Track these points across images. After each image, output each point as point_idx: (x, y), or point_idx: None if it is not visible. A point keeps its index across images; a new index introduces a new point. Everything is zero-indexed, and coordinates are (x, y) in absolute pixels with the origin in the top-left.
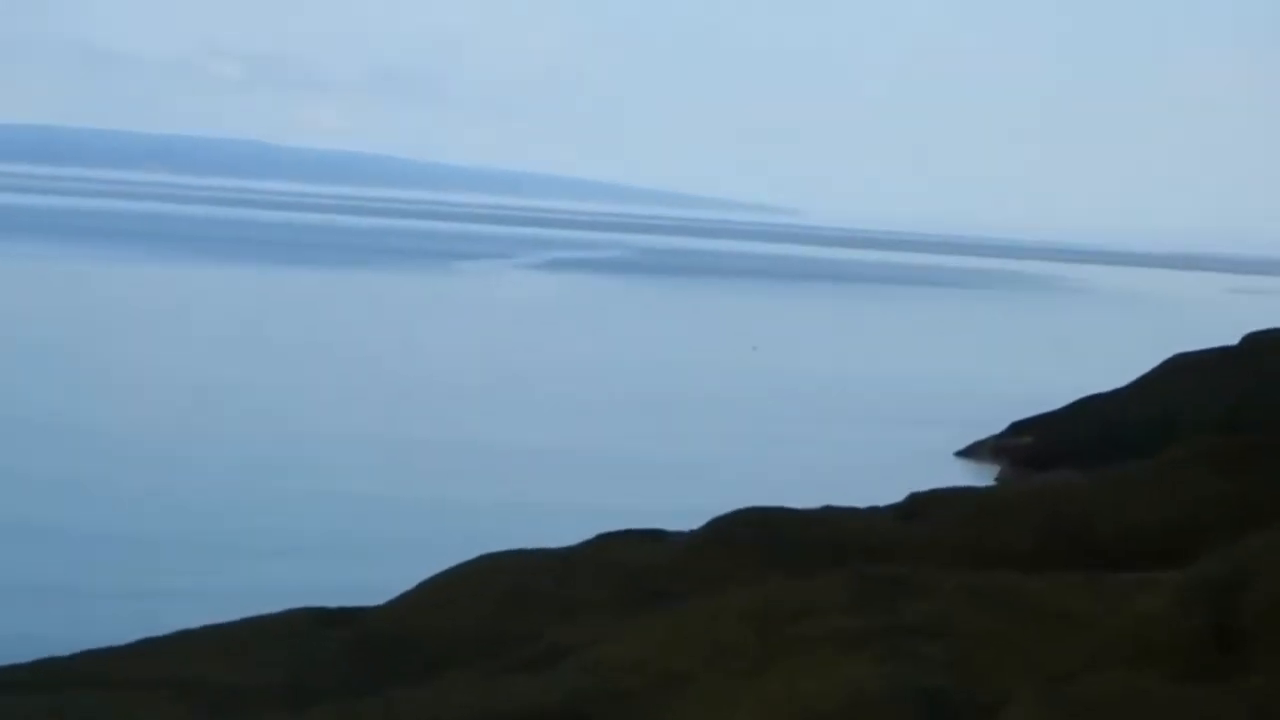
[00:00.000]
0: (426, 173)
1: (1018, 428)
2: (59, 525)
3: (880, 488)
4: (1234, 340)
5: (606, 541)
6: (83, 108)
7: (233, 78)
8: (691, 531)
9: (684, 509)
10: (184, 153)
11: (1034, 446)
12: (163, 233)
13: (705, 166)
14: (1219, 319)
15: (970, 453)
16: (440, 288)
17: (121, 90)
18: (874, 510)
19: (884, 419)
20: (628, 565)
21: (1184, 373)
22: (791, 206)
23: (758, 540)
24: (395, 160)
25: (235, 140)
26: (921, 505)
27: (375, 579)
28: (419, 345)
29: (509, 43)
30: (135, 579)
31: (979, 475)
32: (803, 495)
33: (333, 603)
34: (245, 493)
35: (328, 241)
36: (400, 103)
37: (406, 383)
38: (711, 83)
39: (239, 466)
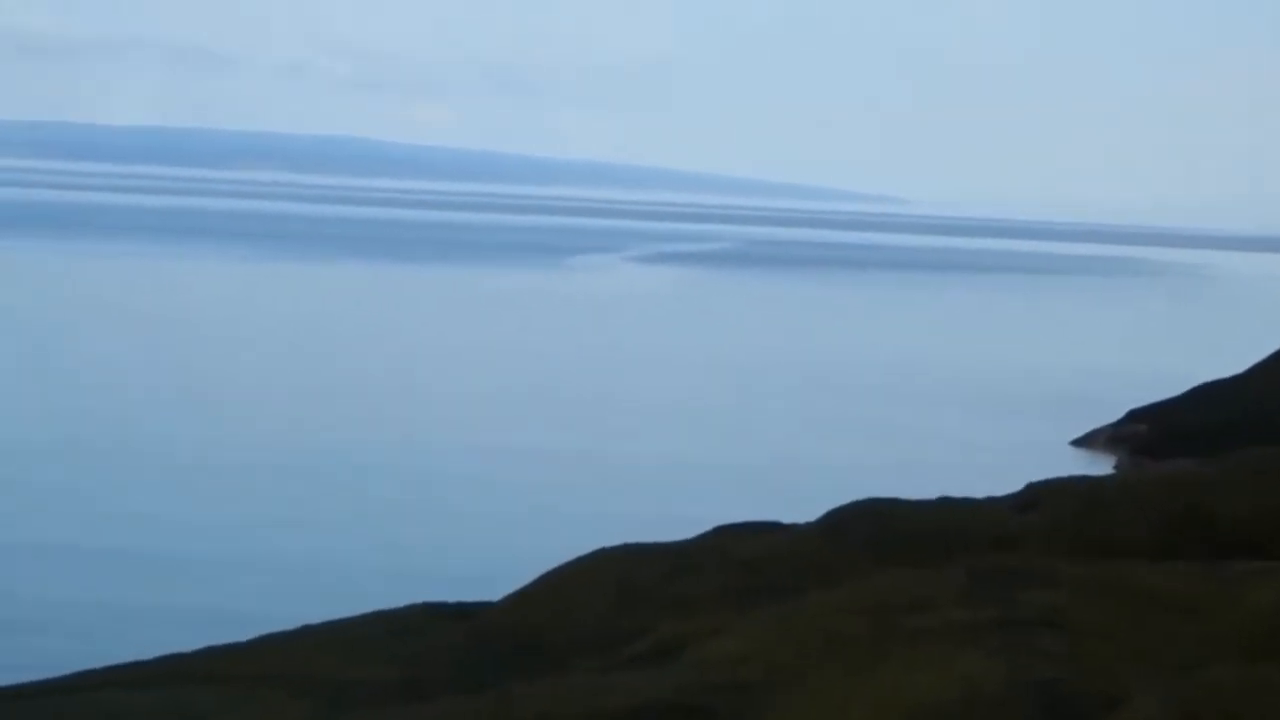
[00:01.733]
0: (536, 168)
1: (1134, 416)
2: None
3: (996, 478)
4: None
5: (722, 534)
6: (197, 109)
7: (344, 77)
8: (806, 524)
9: (800, 500)
10: (298, 152)
11: (1151, 435)
12: (280, 231)
13: (812, 155)
14: None
15: (1086, 442)
16: (551, 283)
17: (236, 91)
18: (991, 501)
19: (998, 409)
20: (743, 558)
21: None
22: (900, 195)
23: (873, 532)
24: (504, 156)
25: (347, 138)
26: (1039, 495)
27: (493, 575)
28: (533, 344)
29: (613, 37)
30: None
31: (1095, 465)
32: (918, 486)
33: (450, 598)
34: (353, 497)
35: (440, 238)
36: (509, 98)
37: (520, 387)
38: (815, 71)
39: (347, 469)
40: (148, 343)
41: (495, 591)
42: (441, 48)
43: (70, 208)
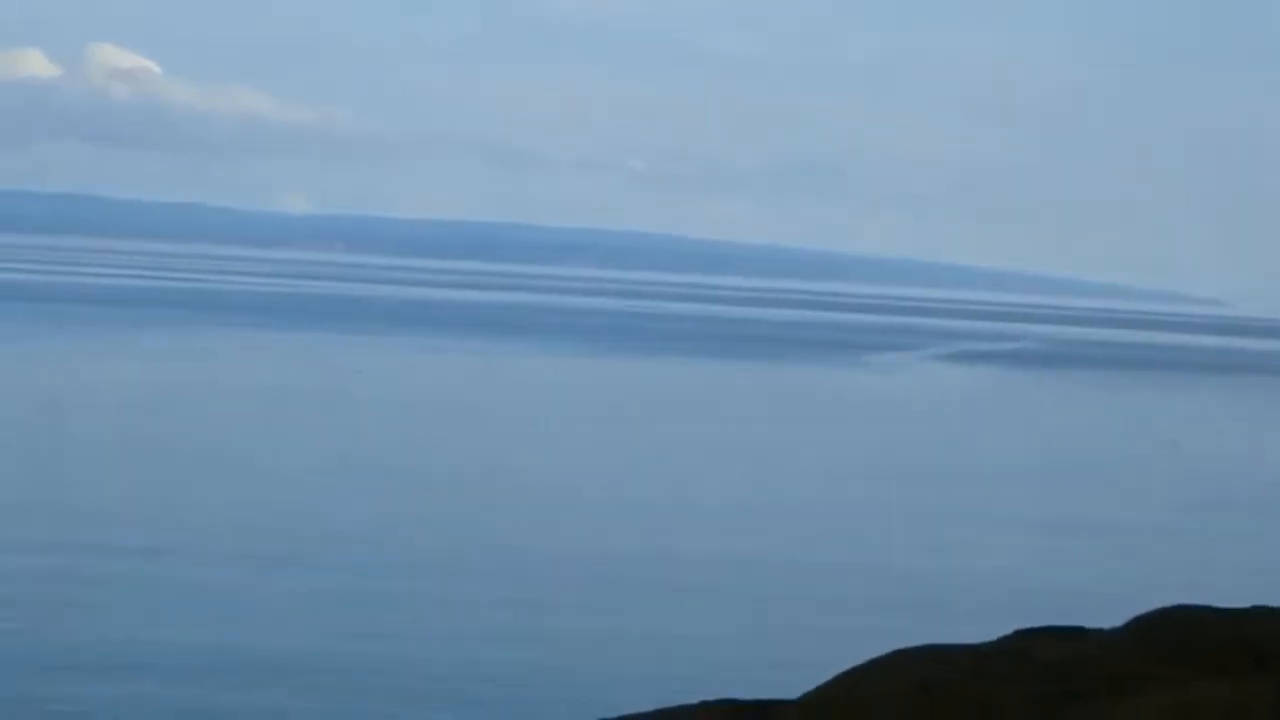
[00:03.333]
0: (833, 264)
1: None
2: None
3: None
4: None
5: (1023, 637)
6: (498, 205)
7: (642, 172)
8: (1112, 629)
9: (1107, 607)
10: (598, 247)
11: None
12: (583, 326)
13: (1116, 254)
14: None
15: None
16: (850, 381)
17: (535, 187)
18: None
19: None
20: (1043, 662)
21: None
22: (1213, 297)
23: (1181, 639)
24: (803, 252)
25: (650, 234)
26: None
27: (787, 677)
28: (834, 441)
29: (910, 134)
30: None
31: None
32: (1230, 594)
33: (746, 696)
34: (667, 589)
35: (739, 334)
36: (806, 194)
37: (819, 485)
38: (1123, 166)
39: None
40: (498, 436)
41: (792, 691)
42: (735, 144)
43: (379, 301)
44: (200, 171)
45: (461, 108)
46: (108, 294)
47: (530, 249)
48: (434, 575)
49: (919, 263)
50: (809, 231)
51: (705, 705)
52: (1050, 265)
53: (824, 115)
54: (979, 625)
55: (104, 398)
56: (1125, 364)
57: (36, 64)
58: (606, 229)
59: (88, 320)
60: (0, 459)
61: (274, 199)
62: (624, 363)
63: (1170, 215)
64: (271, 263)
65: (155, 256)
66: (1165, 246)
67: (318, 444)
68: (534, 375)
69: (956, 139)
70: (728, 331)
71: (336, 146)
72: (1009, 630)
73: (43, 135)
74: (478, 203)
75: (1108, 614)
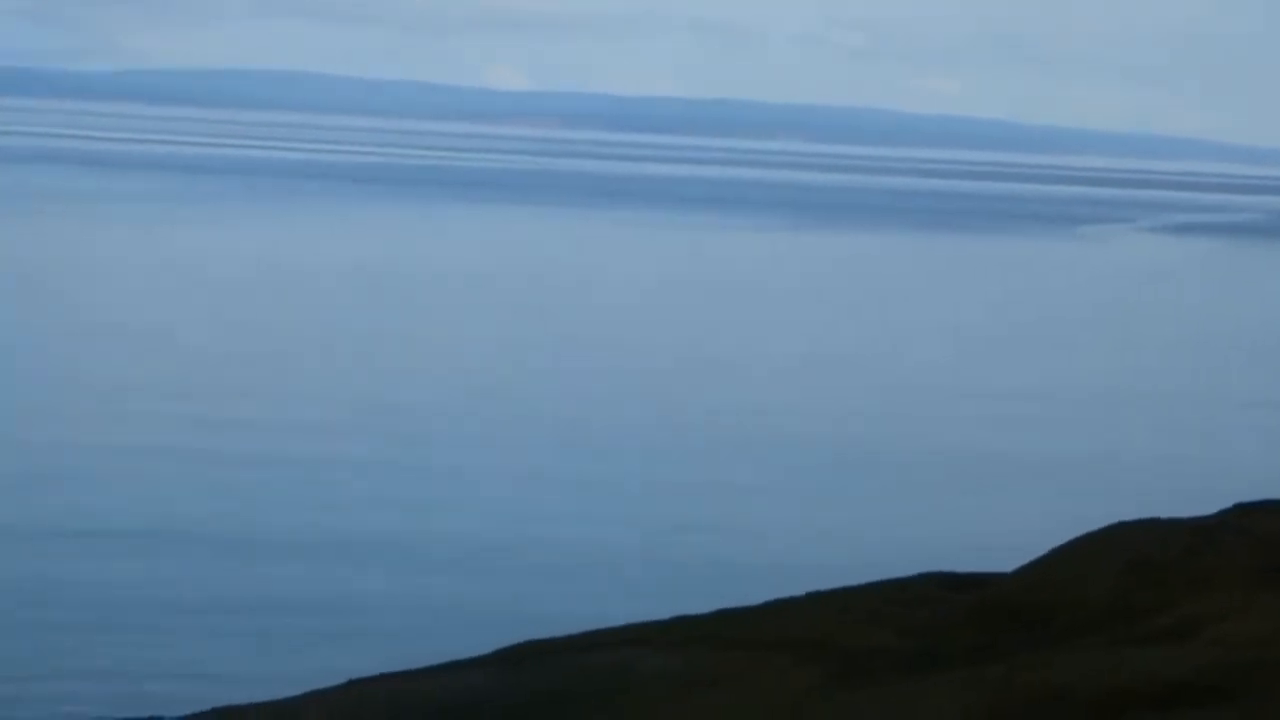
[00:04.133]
0: (1044, 137)
1: None
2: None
3: None
4: None
5: (1244, 511)
6: (711, 80)
7: (857, 47)
8: None
9: None
10: (814, 122)
11: None
12: (801, 200)
13: None
14: None
15: None
16: (1063, 253)
17: (749, 63)
18: None
19: None
20: (1264, 536)
21: None
22: None
23: None
24: (1018, 126)
25: (865, 109)
26: None
27: (1003, 545)
28: (1048, 313)
29: (1128, 4)
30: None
31: None
32: None
33: (961, 568)
34: (866, 467)
35: (954, 207)
36: (1015, 66)
37: (1034, 363)
38: None
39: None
40: (710, 308)
41: (1007, 564)
42: (946, 16)
43: (598, 178)
44: (417, 49)
45: None
46: (328, 169)
47: (744, 124)
48: (689, 459)
49: (1131, 134)
50: (1024, 105)
51: (924, 576)
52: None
53: None
54: (1204, 506)
55: (351, 271)
56: None
57: None
58: (821, 104)
59: (316, 193)
60: (267, 333)
61: (489, 75)
62: (843, 237)
63: None
64: (488, 138)
65: (374, 133)
66: None
67: (563, 324)
68: (765, 250)
69: (1178, 7)
70: (943, 205)
71: (551, 22)
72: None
73: (263, 13)
74: (691, 78)
75: None
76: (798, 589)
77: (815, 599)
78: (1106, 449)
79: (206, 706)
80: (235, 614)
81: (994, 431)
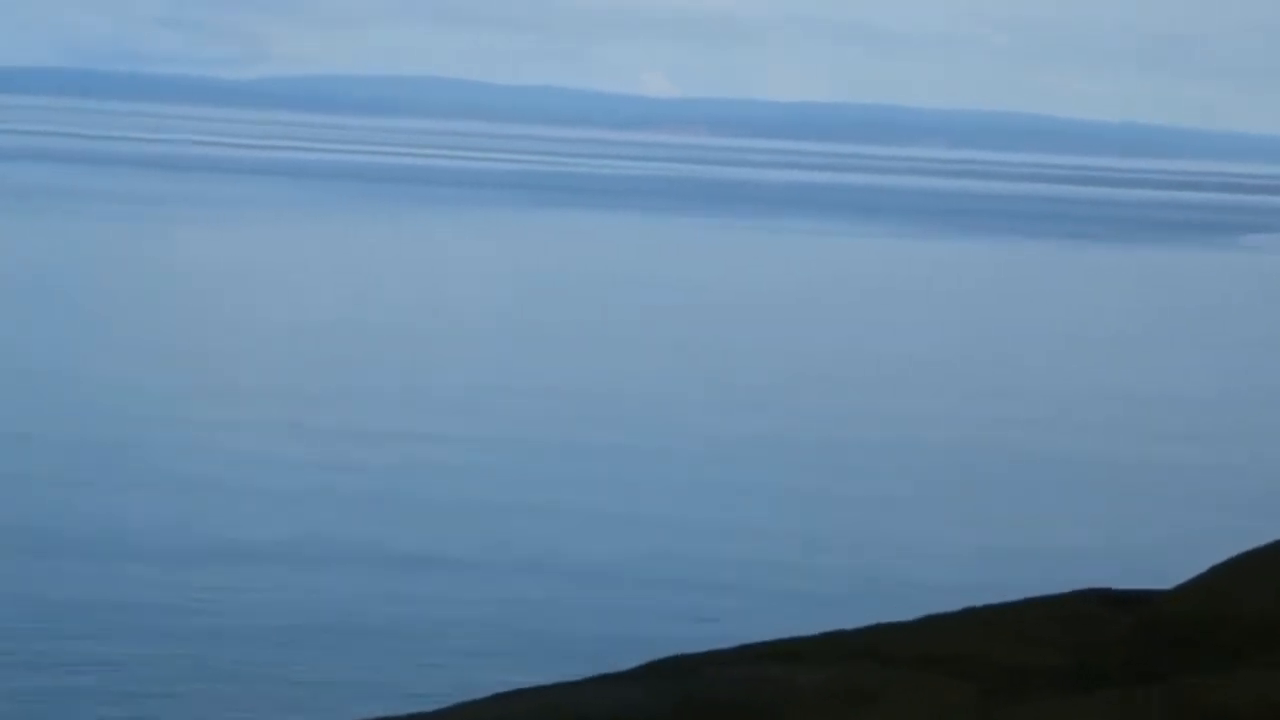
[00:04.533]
0: (1200, 142)
1: None
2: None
3: None
4: None
5: None
6: (856, 84)
7: (1002, 48)
8: None
9: None
10: (959, 126)
11: None
12: (957, 208)
13: None
14: None
15: None
16: (1227, 263)
17: (894, 66)
18: None
19: None
20: None
21: None
22: None
23: None
24: (1167, 129)
25: (1008, 113)
26: None
27: (1163, 560)
28: (1212, 324)
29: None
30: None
31: None
32: None
33: (1119, 584)
34: (1016, 481)
35: (1108, 215)
36: (1169, 69)
37: (1207, 376)
38: None
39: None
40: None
41: (1167, 580)
42: (1100, 19)
43: (734, 184)
44: (561, 54)
45: None
46: (475, 177)
47: (891, 129)
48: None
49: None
50: (1177, 108)
51: (1081, 592)
52: None
53: None
54: None
55: (524, 278)
56: None
57: None
58: (968, 108)
59: (469, 201)
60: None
61: (634, 81)
62: (1002, 245)
63: None
64: (635, 145)
65: (519, 140)
66: None
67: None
68: (923, 258)
69: None
70: (1098, 213)
71: (695, 28)
72: None
73: (402, 19)
74: (836, 83)
75: None
76: (951, 605)
77: (970, 615)
78: (1275, 463)
79: None
80: (409, 634)
81: (1155, 444)
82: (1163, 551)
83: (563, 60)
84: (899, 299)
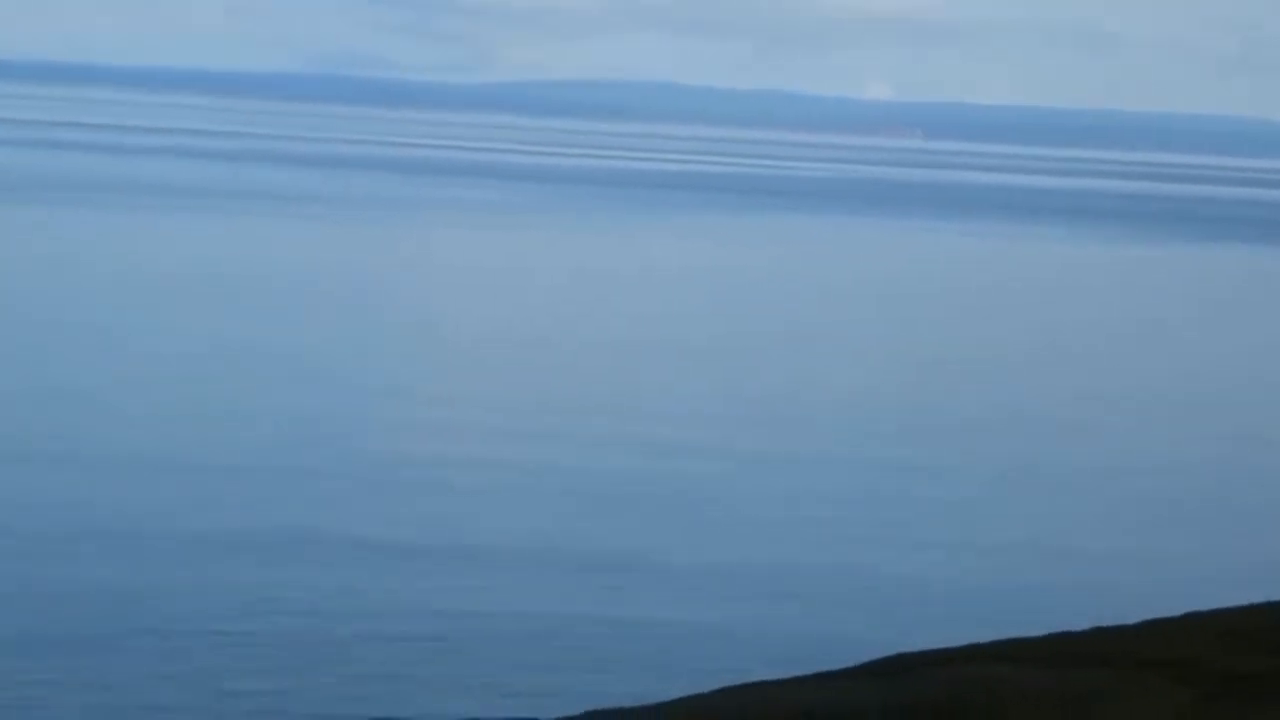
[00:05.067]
0: None
1: None
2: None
3: None
4: None
5: None
6: (1074, 88)
7: (1230, 55)
8: None
9: None
10: (1182, 131)
11: None
12: (1150, 211)
13: None
14: None
15: None
16: None
17: (1114, 70)
18: None
19: None
20: None
21: None
22: None
23: None
24: None
25: (1232, 118)
26: None
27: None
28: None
29: None
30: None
31: None
32: None
33: None
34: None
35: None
36: None
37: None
38: None
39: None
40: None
41: None
42: None
43: (941, 187)
44: (779, 59)
45: None
46: (696, 180)
47: (1109, 133)
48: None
49: None
50: None
51: (1191, 615)
52: None
53: None
54: None
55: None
56: None
57: None
58: (1190, 113)
59: (700, 206)
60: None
61: (852, 85)
62: (1233, 252)
63: None
64: (853, 149)
65: (738, 144)
66: None
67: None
68: (1137, 266)
69: None
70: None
71: (912, 32)
72: None
73: (630, 26)
74: (1053, 87)
75: None
76: (1170, 610)
77: (1193, 619)
78: None
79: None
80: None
81: None
82: None
83: (782, 65)
84: (1142, 311)
